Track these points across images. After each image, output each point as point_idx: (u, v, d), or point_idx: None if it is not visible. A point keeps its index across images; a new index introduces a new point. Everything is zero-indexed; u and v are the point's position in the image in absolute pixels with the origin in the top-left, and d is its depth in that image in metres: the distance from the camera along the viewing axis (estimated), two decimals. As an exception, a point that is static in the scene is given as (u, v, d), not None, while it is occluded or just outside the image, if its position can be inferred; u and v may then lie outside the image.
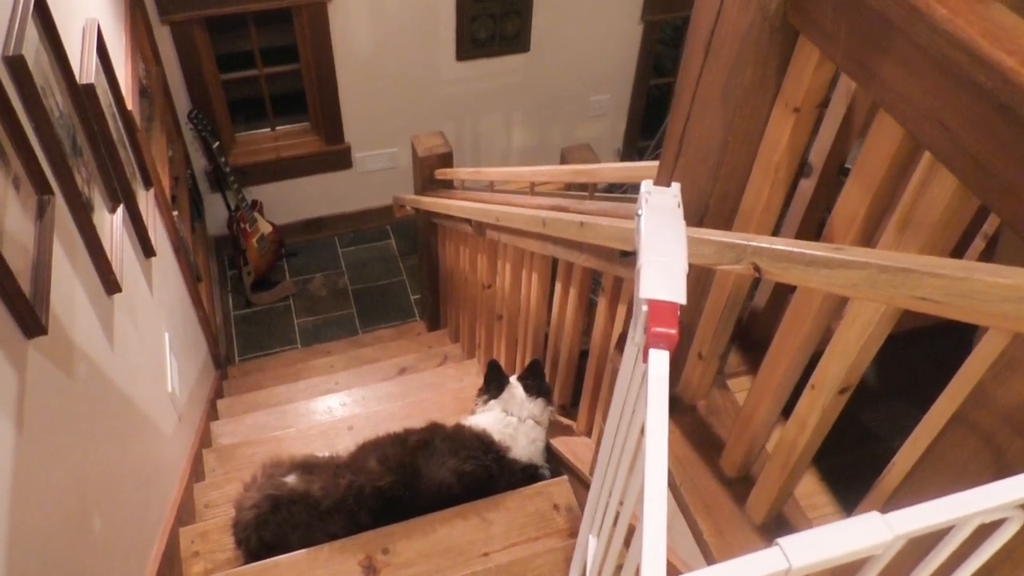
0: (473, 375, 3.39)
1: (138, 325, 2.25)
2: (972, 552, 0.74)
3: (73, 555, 1.46)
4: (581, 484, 2.10)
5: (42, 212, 1.55)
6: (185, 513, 2.39)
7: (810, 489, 1.44)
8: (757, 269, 0.95)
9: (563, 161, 3.04)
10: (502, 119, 5.02)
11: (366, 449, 2.18)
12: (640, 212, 0.87)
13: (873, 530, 0.63)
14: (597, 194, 2.10)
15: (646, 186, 0.89)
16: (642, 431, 0.82)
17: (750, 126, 1.15)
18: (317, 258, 4.97)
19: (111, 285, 1.94)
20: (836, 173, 1.39)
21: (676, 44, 5.61)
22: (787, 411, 1.25)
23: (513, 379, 2.35)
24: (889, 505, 1.04)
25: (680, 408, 1.54)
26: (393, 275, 4.89)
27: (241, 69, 4.43)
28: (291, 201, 4.85)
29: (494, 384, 2.36)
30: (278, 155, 4.66)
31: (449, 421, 2.34)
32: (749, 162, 1.19)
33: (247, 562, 2.12)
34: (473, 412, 2.38)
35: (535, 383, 2.32)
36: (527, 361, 2.66)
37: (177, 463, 2.51)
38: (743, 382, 1.58)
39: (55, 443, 1.44)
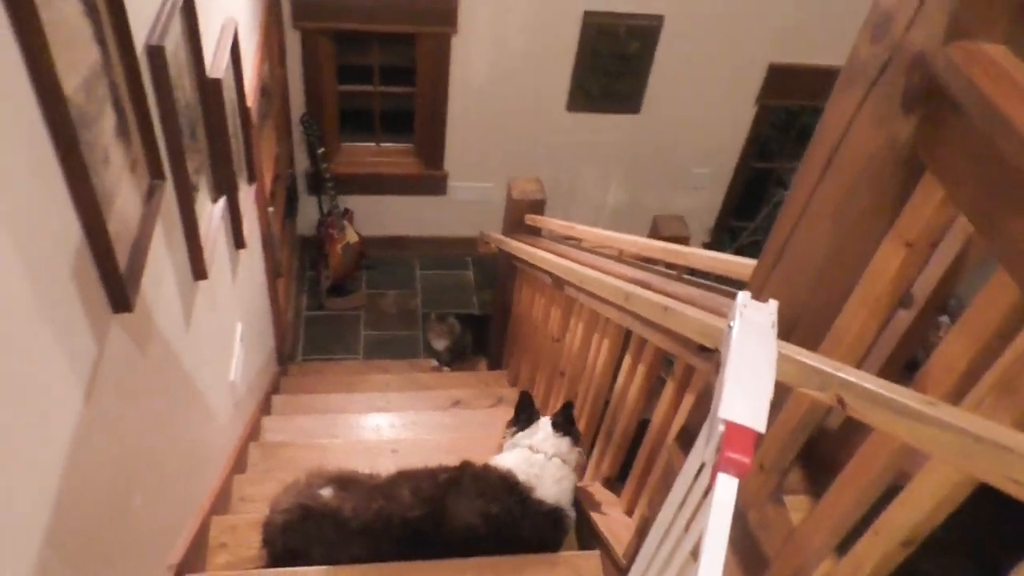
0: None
1: (215, 312, 2.31)
2: None
3: (110, 527, 1.49)
4: (613, 565, 2.05)
5: (151, 195, 1.62)
6: (221, 502, 2.42)
7: (851, 629, 1.37)
8: (841, 402, 0.91)
9: (654, 229, 3.02)
10: (600, 175, 5.04)
11: (403, 476, 2.18)
12: (732, 323, 0.85)
13: None
14: (685, 276, 2.08)
15: (743, 298, 0.87)
16: (695, 550, 0.79)
17: (858, 249, 1.12)
18: (394, 275, 5.04)
19: (199, 272, 2.00)
20: (938, 309, 1.34)
21: (787, 129, 5.56)
22: (844, 541, 1.19)
23: (544, 417, 2.33)
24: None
25: (729, 514, 1.49)
26: (465, 306, 4.92)
27: (357, 82, 4.57)
28: (381, 216, 4.95)
29: (524, 416, 2.34)
30: (377, 170, 4.77)
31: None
32: (851, 284, 1.16)
33: (269, 565, 2.13)
34: (501, 447, 2.36)
35: (564, 424, 2.29)
36: (582, 421, 2.64)
37: (223, 451, 2.56)
38: (800, 501, 1.52)
39: (116, 418, 1.48)
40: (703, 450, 0.82)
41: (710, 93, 4.68)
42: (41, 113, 1.08)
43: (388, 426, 3.33)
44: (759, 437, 0.73)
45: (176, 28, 1.76)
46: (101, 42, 1.32)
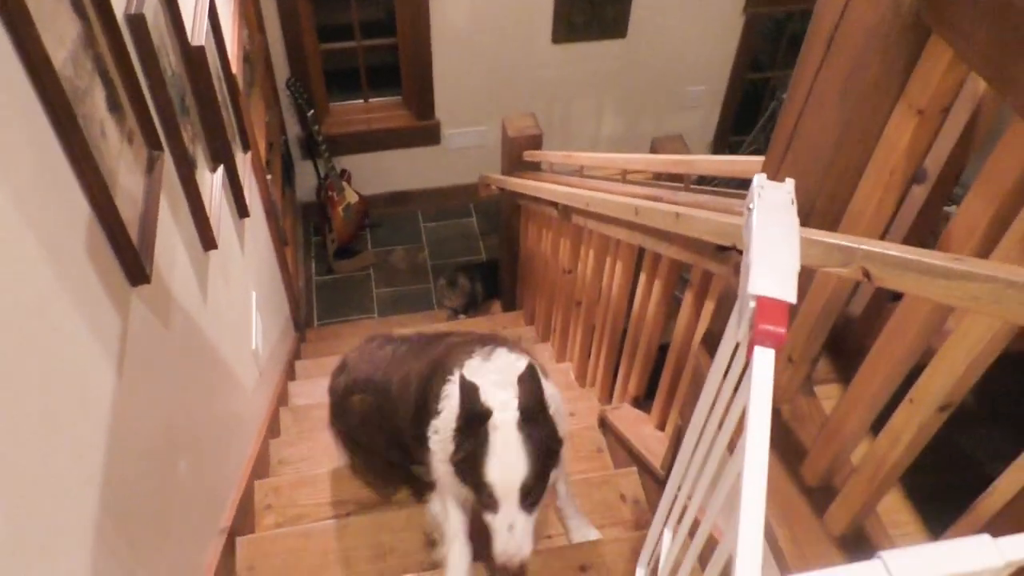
0: (546, 359, 3.39)
1: (229, 282, 2.32)
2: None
3: (159, 496, 1.53)
4: (650, 477, 2.08)
5: (151, 167, 1.61)
6: (261, 466, 2.47)
7: (894, 505, 1.39)
8: (867, 274, 0.91)
9: (653, 151, 2.99)
10: (593, 105, 4.98)
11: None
12: (751, 206, 0.85)
13: (982, 553, 0.60)
14: (693, 186, 2.07)
15: (759, 180, 0.87)
16: (736, 430, 0.80)
17: (868, 125, 1.11)
18: (399, 231, 5.04)
19: (208, 241, 2.01)
20: (952, 181, 1.33)
21: (776, 39, 5.47)
22: (876, 423, 1.21)
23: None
24: (986, 530, 0.99)
25: (762, 410, 1.51)
26: (473, 253, 4.93)
27: (339, 40, 4.50)
28: (379, 173, 4.92)
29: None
30: (369, 127, 4.73)
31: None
32: (863, 162, 1.15)
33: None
34: None
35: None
36: (604, 347, 2.64)
37: (256, 418, 2.60)
38: (831, 389, 1.54)
39: (149, 389, 1.51)
40: (735, 331, 0.82)
41: (696, 7, 4.59)
42: (34, 89, 1.08)
43: (413, 377, 3.36)
44: (791, 308, 0.73)
45: (152, -4, 1.74)
46: (81, 14, 1.30)
